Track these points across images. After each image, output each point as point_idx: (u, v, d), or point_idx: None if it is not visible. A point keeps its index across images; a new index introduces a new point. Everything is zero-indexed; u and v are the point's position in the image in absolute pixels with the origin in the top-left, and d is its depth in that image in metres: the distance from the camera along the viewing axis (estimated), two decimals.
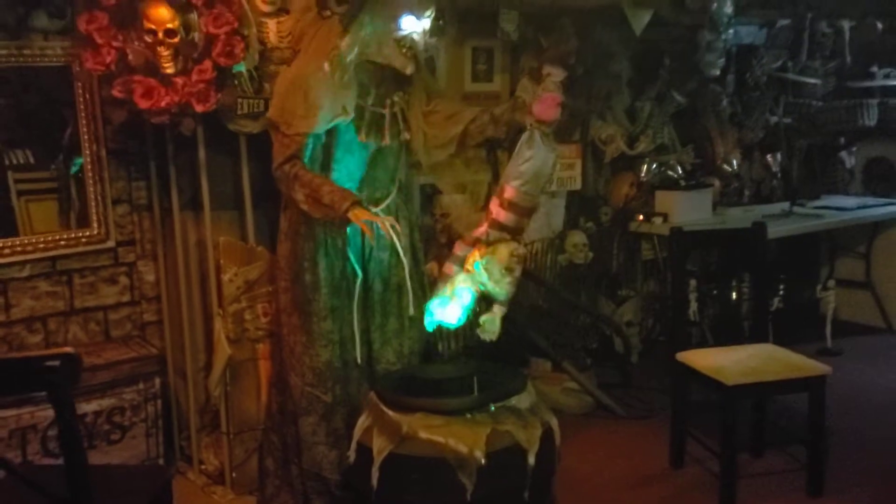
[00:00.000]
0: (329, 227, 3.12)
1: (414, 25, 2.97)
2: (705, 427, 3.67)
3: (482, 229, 3.11)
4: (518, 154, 3.05)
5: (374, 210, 3.13)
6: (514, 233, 3.10)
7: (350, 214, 2.89)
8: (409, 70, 3.04)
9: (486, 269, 3.01)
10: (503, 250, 3.02)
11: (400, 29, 2.96)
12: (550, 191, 4.80)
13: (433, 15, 3.03)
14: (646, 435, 4.10)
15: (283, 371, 3.28)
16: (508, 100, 4.64)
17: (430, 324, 3.12)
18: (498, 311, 3.11)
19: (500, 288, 3.03)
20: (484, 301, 3.15)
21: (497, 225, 3.07)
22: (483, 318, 3.11)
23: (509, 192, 3.05)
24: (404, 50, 2.99)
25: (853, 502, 3.45)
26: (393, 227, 2.97)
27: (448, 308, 3.03)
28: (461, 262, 3.10)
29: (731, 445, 3.36)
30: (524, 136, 3.05)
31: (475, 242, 3.09)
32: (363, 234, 3.13)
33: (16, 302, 3.47)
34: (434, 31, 3.18)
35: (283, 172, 3.02)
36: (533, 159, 3.01)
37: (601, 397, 4.40)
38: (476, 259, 3.04)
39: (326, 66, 2.96)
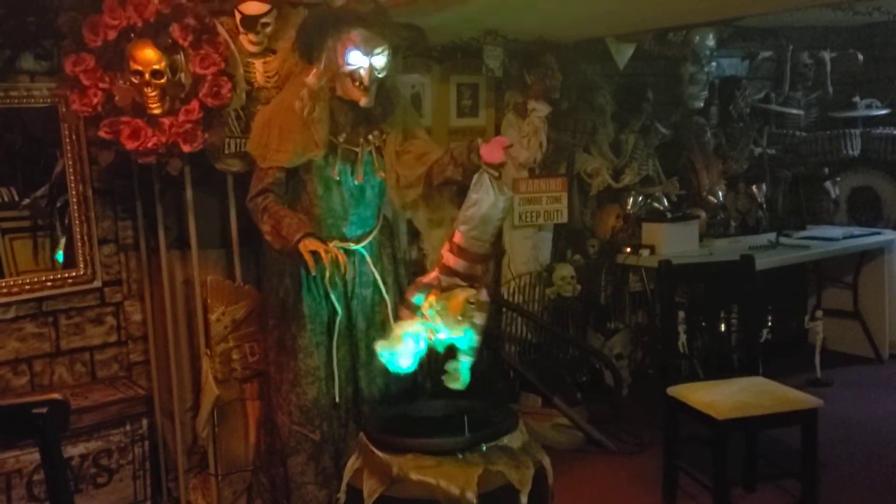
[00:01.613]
0: (292, 258, 3.08)
1: (360, 61, 2.98)
2: (697, 461, 3.65)
3: (433, 275, 2.99)
4: (467, 197, 2.97)
5: (354, 247, 3.17)
6: (468, 279, 2.95)
7: (300, 245, 2.91)
8: (362, 103, 3.05)
9: (439, 316, 2.86)
10: (459, 297, 2.87)
11: (348, 63, 2.99)
12: (538, 224, 4.82)
13: (385, 51, 3.02)
14: (637, 470, 4.08)
15: (270, 410, 3.26)
16: (493, 135, 4.68)
17: (383, 360, 2.95)
18: (464, 359, 2.94)
19: (456, 334, 2.86)
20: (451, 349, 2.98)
21: (447, 270, 2.95)
22: (448, 366, 2.96)
23: (457, 237, 2.93)
24: (356, 83, 3.01)
25: None
26: (336, 261, 2.94)
27: (397, 352, 2.88)
28: (414, 308, 2.95)
29: (723, 480, 3.35)
30: (474, 179, 2.94)
31: (426, 288, 2.96)
32: (344, 271, 3.10)
33: (1, 344, 3.43)
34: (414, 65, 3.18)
35: (254, 204, 3.09)
36: (479, 203, 2.88)
37: (592, 433, 4.38)
38: (430, 305, 2.90)
39: (298, 101, 3.02)
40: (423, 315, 2.91)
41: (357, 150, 3.16)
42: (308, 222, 3.05)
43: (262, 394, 3.43)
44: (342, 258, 2.98)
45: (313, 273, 3.05)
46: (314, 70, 3.05)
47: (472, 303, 2.86)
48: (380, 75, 3.04)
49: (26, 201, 3.48)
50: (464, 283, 2.93)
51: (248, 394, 3.50)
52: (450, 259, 2.94)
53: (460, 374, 2.92)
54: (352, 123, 3.13)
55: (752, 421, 3.40)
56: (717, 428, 3.32)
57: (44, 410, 1.98)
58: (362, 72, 2.99)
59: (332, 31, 3.00)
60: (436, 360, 4.43)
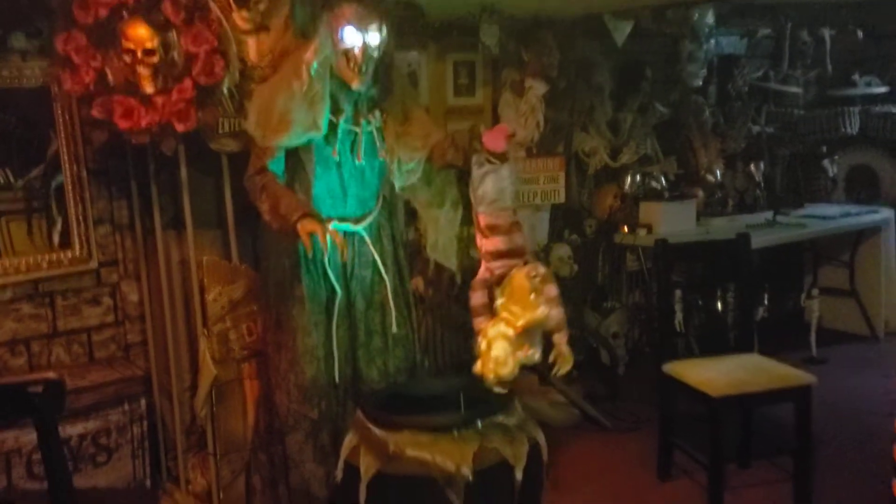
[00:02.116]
0: (289, 237, 3.09)
1: (355, 38, 2.95)
2: (693, 438, 3.67)
3: (482, 269, 3.00)
4: (472, 180, 3.00)
5: (353, 228, 3.16)
6: (515, 254, 2.96)
7: (298, 225, 2.89)
8: (355, 86, 3.03)
9: (514, 304, 2.81)
10: (518, 278, 2.84)
11: (342, 41, 2.96)
12: (535, 204, 4.81)
13: (380, 28, 2.99)
14: (633, 447, 4.11)
15: (268, 389, 3.27)
16: (491, 114, 4.67)
17: (490, 385, 2.85)
18: (558, 338, 2.92)
19: (542, 314, 2.80)
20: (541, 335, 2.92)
21: (491, 255, 2.97)
22: (552, 355, 2.94)
23: (482, 218, 2.98)
24: (350, 63, 2.99)
25: None
26: (333, 242, 2.92)
27: (494, 361, 2.79)
28: (485, 311, 2.93)
29: (718, 457, 3.37)
30: (473, 160, 2.99)
31: (485, 285, 2.97)
32: (341, 253, 3.11)
33: None
34: (410, 43, 3.15)
35: (252, 183, 3.07)
36: (487, 178, 2.95)
37: (588, 410, 4.40)
38: (499, 299, 2.87)
39: (297, 80, 2.99)
40: (498, 314, 2.85)
41: (357, 130, 3.14)
42: (307, 202, 3.04)
43: (259, 373, 3.44)
44: (339, 239, 2.96)
45: (309, 254, 3.05)
46: (311, 46, 3.03)
47: (534, 276, 2.81)
48: (374, 54, 3.01)
49: (20, 183, 3.47)
50: (514, 261, 2.91)
51: (246, 373, 3.51)
52: (487, 244, 2.96)
53: (566, 353, 2.92)
54: (352, 103, 3.12)
55: (747, 398, 3.42)
56: (713, 405, 3.33)
57: (39, 389, 2.00)
58: (356, 50, 2.96)
59: (327, 5, 2.98)
60: (441, 340, 4.46)
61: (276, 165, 3.09)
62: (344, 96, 3.08)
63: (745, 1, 5.17)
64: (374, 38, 2.99)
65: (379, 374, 3.27)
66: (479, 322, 2.95)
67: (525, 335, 2.82)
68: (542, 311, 2.78)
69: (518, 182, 3.28)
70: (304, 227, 2.89)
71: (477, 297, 2.97)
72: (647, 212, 5.07)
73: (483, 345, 2.84)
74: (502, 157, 2.96)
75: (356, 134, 3.14)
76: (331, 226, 3.01)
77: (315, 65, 2.99)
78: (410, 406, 2.90)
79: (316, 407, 3.15)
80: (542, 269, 2.87)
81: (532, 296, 2.79)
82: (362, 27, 2.96)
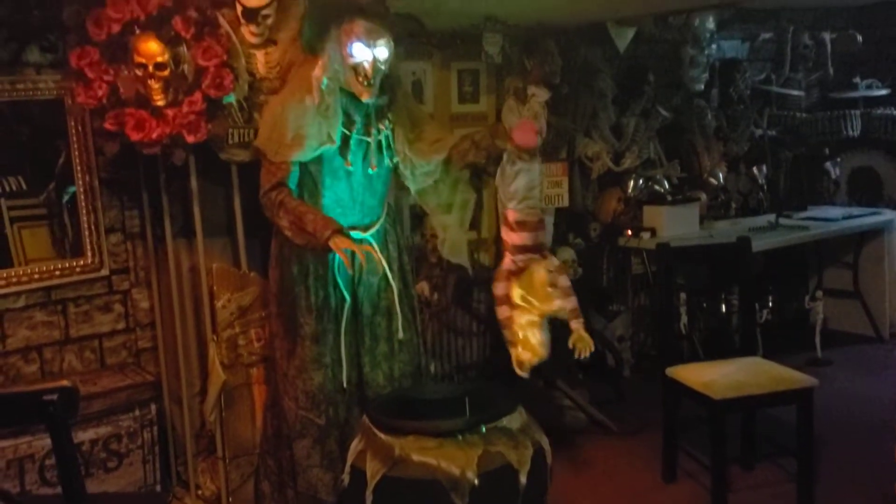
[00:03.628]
0: (316, 253, 3.17)
1: (364, 53, 3.01)
2: (697, 441, 3.71)
3: (507, 261, 3.13)
4: (503, 176, 3.11)
5: (362, 235, 3.19)
6: (537, 249, 3.14)
7: (331, 243, 2.94)
8: (364, 98, 3.08)
9: (533, 296, 3.03)
10: (538, 271, 3.06)
11: (351, 56, 3.02)
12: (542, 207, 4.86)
13: (387, 42, 3.05)
14: (638, 450, 4.15)
15: (277, 395, 3.32)
16: (495, 120, 4.72)
17: (524, 371, 3.14)
18: (575, 325, 3.13)
19: (557, 305, 3.04)
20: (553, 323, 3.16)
21: (517, 249, 3.11)
22: (571, 341, 3.14)
23: (512, 214, 3.12)
24: (360, 78, 3.05)
25: None
26: (370, 255, 2.99)
27: (529, 348, 3.04)
28: (507, 301, 3.11)
29: (721, 459, 3.41)
30: (504, 158, 3.11)
31: (508, 276, 3.11)
32: (352, 258, 3.18)
33: (11, 332, 3.50)
34: (414, 53, 3.22)
35: (269, 199, 3.09)
36: (519, 175, 3.09)
37: (594, 413, 4.44)
38: (518, 290, 3.06)
39: (309, 95, 3.05)
40: (516, 304, 3.05)
41: (369, 139, 3.20)
42: (333, 218, 3.07)
43: (267, 378, 3.50)
44: (376, 254, 3.02)
45: (350, 272, 3.13)
46: (320, 62, 3.08)
47: (551, 271, 3.05)
48: (383, 67, 3.07)
49: (42, 196, 3.54)
50: (535, 255, 3.09)
51: (255, 378, 3.56)
52: (514, 238, 3.11)
53: (585, 339, 3.10)
54: (363, 114, 3.17)
55: (749, 400, 3.46)
56: (714, 407, 3.38)
57: (54, 397, 2.05)
58: (366, 65, 3.02)
59: (335, 22, 3.03)
60: (446, 344, 4.51)
61: (291, 180, 3.13)
62: (354, 108, 3.14)
63: (746, 6, 5.19)
64: (382, 52, 3.04)
65: (385, 379, 3.32)
66: (502, 311, 3.13)
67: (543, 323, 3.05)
68: (557, 304, 3.04)
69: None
70: (339, 244, 2.94)
71: (500, 288, 3.14)
72: (651, 215, 5.12)
73: (520, 333, 3.04)
74: (532, 153, 3.11)
75: (368, 143, 3.20)
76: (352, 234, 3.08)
77: (325, 80, 3.05)
78: (416, 411, 2.96)
79: (323, 413, 3.20)
80: (556, 262, 3.11)
81: (549, 289, 3.01)
82: (371, 42, 3.01)
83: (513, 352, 3.10)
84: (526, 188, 3.09)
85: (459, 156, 3.26)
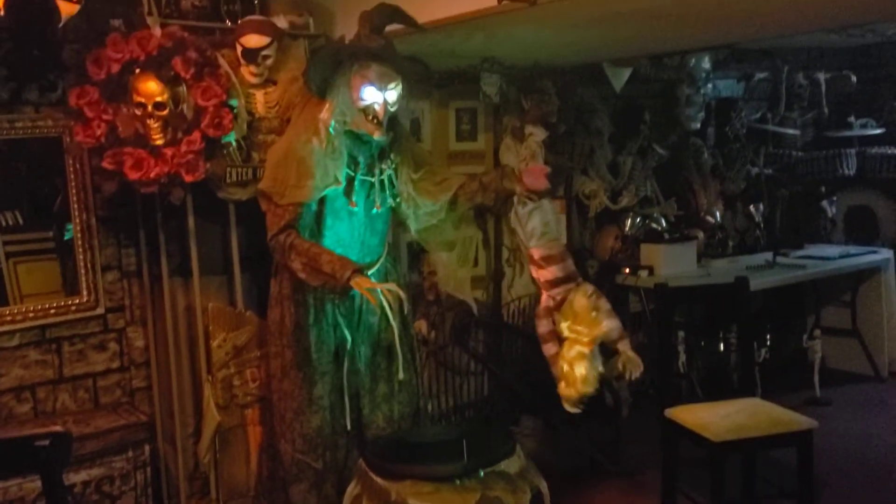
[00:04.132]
0: (319, 293, 3.16)
1: (375, 96, 3.04)
2: (697, 482, 3.67)
3: (545, 298, 3.16)
4: (517, 219, 3.14)
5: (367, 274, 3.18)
6: (571, 279, 3.19)
7: (352, 283, 2.93)
8: (377, 136, 3.10)
9: (580, 325, 3.07)
10: (578, 299, 3.11)
11: (362, 99, 3.04)
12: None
13: (398, 86, 3.08)
14: (638, 492, 4.10)
15: (273, 438, 3.29)
16: (492, 158, 4.73)
17: (575, 405, 3.16)
18: (622, 346, 3.18)
19: (602, 329, 3.08)
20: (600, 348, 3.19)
21: (551, 284, 3.16)
22: (621, 363, 3.18)
23: (535, 252, 3.19)
24: (370, 118, 3.06)
25: None
26: (394, 292, 3.00)
27: (581, 380, 3.07)
28: (553, 338, 3.15)
29: (720, 502, 3.36)
30: (515, 201, 3.15)
31: (549, 312, 3.15)
32: (355, 299, 3.18)
33: (5, 371, 3.46)
34: (409, 96, 3.25)
35: (278, 242, 3.07)
36: (534, 214, 3.18)
37: (593, 454, 4.40)
38: (563, 323, 3.09)
39: (315, 137, 3.04)
40: (565, 336, 3.09)
41: (373, 179, 3.21)
42: (349, 258, 3.07)
43: (263, 419, 3.47)
44: (401, 292, 3.02)
45: (377, 312, 3.13)
46: (326, 105, 3.09)
47: (590, 294, 3.09)
48: (392, 109, 3.09)
49: (51, 234, 3.55)
50: (570, 285, 3.13)
51: (250, 419, 3.53)
52: (545, 274, 3.16)
53: (634, 359, 3.15)
54: (367, 154, 3.18)
55: (748, 442, 3.43)
56: (713, 450, 3.35)
57: (46, 443, 2.02)
58: (377, 107, 3.04)
59: (346, 66, 3.05)
60: (437, 382, 4.49)
61: (300, 223, 3.12)
62: (358, 149, 3.15)
63: (741, 46, 5.24)
64: (392, 95, 3.06)
65: (385, 421, 3.30)
66: (549, 348, 3.17)
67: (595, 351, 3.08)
68: (606, 324, 3.08)
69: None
70: (361, 284, 2.95)
71: (543, 325, 3.19)
72: (648, 253, 5.11)
73: (565, 367, 3.06)
74: (542, 195, 3.14)
75: (371, 183, 3.20)
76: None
77: (333, 122, 3.06)
78: (413, 454, 2.92)
79: (321, 457, 3.17)
80: (592, 287, 3.14)
81: (593, 313, 3.05)
82: (382, 86, 3.03)
83: (560, 388, 3.13)
84: (542, 224, 3.19)
85: (467, 197, 3.29)
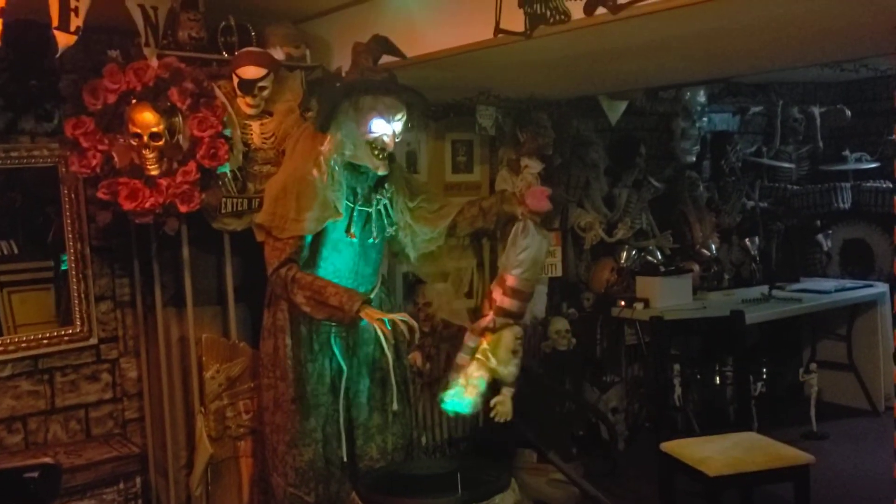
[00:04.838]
0: (315, 324, 3.15)
1: (384, 128, 3.06)
2: None
3: (488, 318, 3.21)
4: (514, 244, 3.18)
5: None
6: (517, 317, 3.24)
7: (362, 314, 2.93)
8: (381, 171, 3.11)
9: (493, 355, 3.17)
10: (508, 335, 3.18)
11: (370, 132, 3.05)
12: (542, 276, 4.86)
13: (404, 118, 3.10)
14: None
15: (265, 470, 3.26)
16: (488, 189, 4.75)
17: (449, 409, 3.23)
18: (507, 392, 3.24)
19: (508, 370, 3.18)
20: (490, 386, 3.27)
21: (502, 312, 3.19)
22: (495, 401, 3.23)
23: (510, 280, 3.18)
24: (376, 152, 3.07)
25: None
26: (408, 322, 2.99)
27: (464, 397, 3.16)
28: (472, 352, 3.22)
29: None
30: (518, 227, 3.20)
31: (483, 332, 3.21)
32: (348, 331, 3.17)
33: None
34: (414, 126, 3.28)
35: (279, 277, 3.07)
36: (529, 248, 3.15)
37: (588, 489, 4.34)
38: (485, 346, 3.19)
39: (315, 170, 3.05)
40: (477, 357, 3.19)
41: (370, 210, 3.22)
42: (355, 290, 3.08)
43: (255, 451, 3.44)
44: (411, 321, 3.01)
45: (391, 342, 3.13)
46: (328, 138, 3.09)
47: (518, 338, 3.21)
48: (397, 140, 3.11)
49: (45, 263, 3.55)
50: (513, 322, 3.21)
51: (242, 451, 3.50)
52: (505, 302, 3.19)
53: (508, 406, 3.22)
54: (364, 185, 3.19)
55: (745, 477, 3.41)
56: (710, 484, 3.32)
57: (35, 475, 2.00)
58: (385, 139, 3.06)
59: (348, 98, 3.05)
60: (431, 414, 4.46)
61: (298, 255, 3.11)
62: (356, 181, 3.16)
63: (736, 80, 5.29)
64: (398, 126, 3.09)
65: (378, 452, 3.28)
66: (463, 358, 3.23)
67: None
68: (513, 368, 3.19)
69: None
70: (371, 315, 2.95)
71: (471, 339, 3.23)
72: (644, 286, 5.11)
73: (464, 382, 3.18)
74: (544, 216, 3.23)
75: (368, 213, 3.21)
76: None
77: (336, 155, 3.07)
78: (406, 487, 2.89)
79: (313, 491, 3.13)
80: (520, 333, 3.26)
81: (510, 354, 3.18)
82: (390, 118, 3.05)
83: (448, 392, 3.22)
84: (532, 261, 3.18)
85: (467, 222, 3.31)
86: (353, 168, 3.12)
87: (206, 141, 3.10)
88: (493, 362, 3.16)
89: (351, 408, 3.26)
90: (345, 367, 3.22)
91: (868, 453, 4.93)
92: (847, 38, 3.35)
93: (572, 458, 4.49)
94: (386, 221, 3.27)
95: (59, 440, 3.57)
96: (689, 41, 3.12)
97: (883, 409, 5.66)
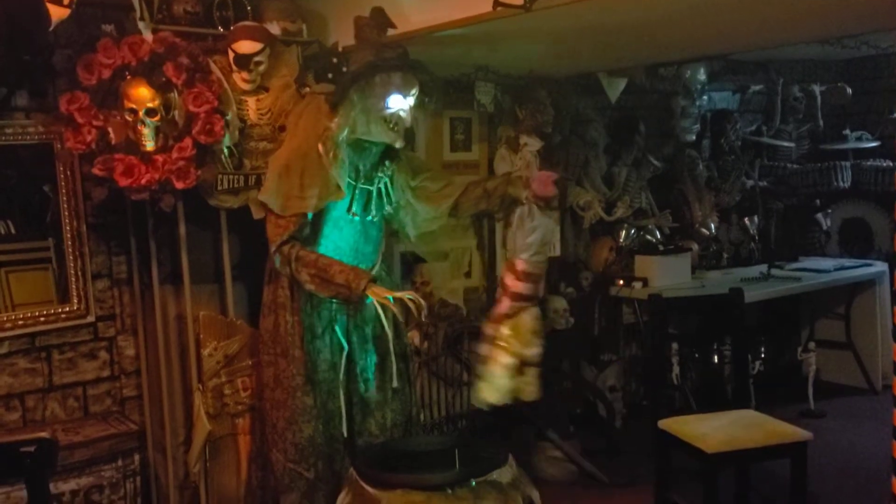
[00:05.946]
0: (315, 300, 3.13)
1: (401, 103, 3.04)
2: (690, 494, 3.65)
3: (504, 305, 3.21)
4: (521, 228, 3.17)
5: None
6: (532, 299, 3.24)
7: (369, 292, 2.93)
8: (398, 144, 3.11)
9: (516, 339, 3.17)
10: (527, 317, 3.19)
11: (388, 108, 3.03)
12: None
13: (416, 93, 3.08)
14: (630, 502, 4.07)
15: (264, 447, 3.26)
16: (487, 168, 4.73)
17: (484, 402, 3.23)
18: (532, 371, 3.22)
19: (532, 351, 3.18)
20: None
21: (517, 296, 3.20)
22: (521, 382, 3.22)
23: (521, 264, 3.18)
24: (392, 125, 3.05)
25: None
26: (416, 300, 2.98)
27: (497, 387, 3.16)
28: (492, 341, 3.22)
29: None
30: (523, 210, 3.19)
31: (501, 319, 3.20)
32: (348, 308, 3.16)
33: None
34: (418, 105, 3.25)
35: (282, 254, 3.06)
36: (537, 230, 3.16)
37: (585, 465, 4.37)
38: (507, 332, 3.18)
39: (320, 147, 3.03)
40: (499, 343, 3.19)
41: (371, 187, 3.20)
42: (360, 269, 3.07)
43: (253, 429, 3.44)
44: (418, 299, 3.00)
45: (401, 319, 3.13)
46: (338, 116, 3.06)
47: (537, 318, 3.21)
48: (411, 115, 3.10)
49: (41, 243, 3.52)
50: (529, 304, 3.21)
51: (240, 429, 3.50)
52: (518, 286, 3.20)
53: (535, 385, 3.21)
54: (366, 163, 3.17)
55: (742, 454, 3.41)
56: (707, 461, 3.33)
57: (32, 449, 2.00)
58: (402, 114, 3.04)
59: (363, 75, 3.01)
60: (430, 392, 4.47)
61: (300, 232, 3.10)
62: (359, 158, 3.14)
63: (736, 58, 5.25)
64: (412, 101, 3.08)
65: (377, 428, 3.28)
66: (485, 348, 3.23)
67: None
68: (536, 349, 3.18)
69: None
70: (377, 293, 2.96)
71: (491, 328, 3.24)
72: (643, 265, 5.10)
73: (494, 370, 3.18)
74: (550, 203, 3.20)
75: (370, 191, 3.19)
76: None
77: (344, 132, 3.04)
78: (404, 463, 2.90)
79: (312, 467, 3.14)
80: (539, 312, 3.26)
81: (532, 336, 3.17)
82: (406, 93, 3.03)
83: (479, 385, 3.23)
84: (541, 243, 3.19)
85: (471, 203, 3.28)
86: (357, 145, 3.10)
87: (201, 116, 3.08)
88: (516, 346, 3.16)
89: (350, 384, 3.25)
90: (345, 344, 3.21)
91: (865, 431, 4.95)
92: (848, 13, 3.32)
93: (570, 435, 4.50)
94: (386, 199, 3.25)
95: (57, 417, 3.57)
96: (688, 15, 3.10)
97: (881, 387, 5.67)
